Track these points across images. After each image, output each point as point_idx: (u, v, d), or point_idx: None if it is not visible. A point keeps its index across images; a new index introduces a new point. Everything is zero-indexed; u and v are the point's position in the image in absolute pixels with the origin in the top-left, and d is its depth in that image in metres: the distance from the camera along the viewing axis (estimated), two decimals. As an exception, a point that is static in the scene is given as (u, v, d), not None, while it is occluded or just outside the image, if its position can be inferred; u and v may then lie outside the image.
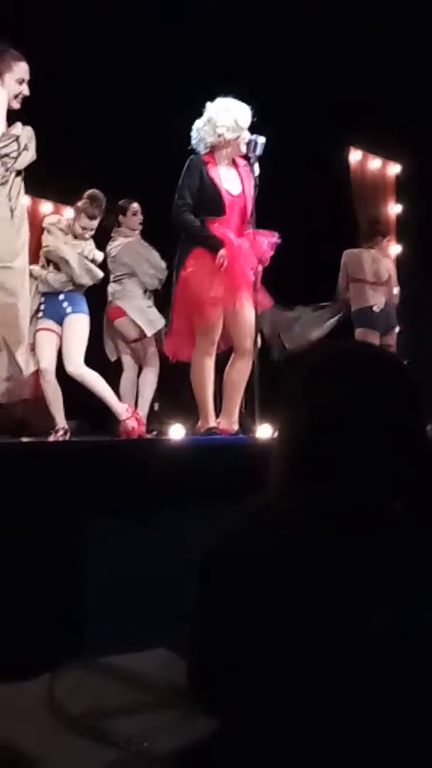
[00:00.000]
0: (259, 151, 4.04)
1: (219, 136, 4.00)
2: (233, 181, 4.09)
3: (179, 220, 4.00)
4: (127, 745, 1.12)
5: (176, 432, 4.08)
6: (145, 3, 5.21)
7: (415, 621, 1.02)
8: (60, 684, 1.20)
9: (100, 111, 5.32)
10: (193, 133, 4.08)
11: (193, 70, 5.10)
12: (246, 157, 4.09)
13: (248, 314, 4.01)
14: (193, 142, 4.09)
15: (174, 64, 5.20)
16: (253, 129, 4.10)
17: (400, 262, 6.70)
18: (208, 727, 1.12)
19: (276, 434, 1.27)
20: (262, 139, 4.04)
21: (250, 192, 4.06)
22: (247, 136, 4.05)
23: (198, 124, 4.06)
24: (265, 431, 3.91)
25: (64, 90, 5.02)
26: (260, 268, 4.08)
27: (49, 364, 4.32)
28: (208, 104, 4.07)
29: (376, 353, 1.29)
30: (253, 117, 4.08)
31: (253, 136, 4.05)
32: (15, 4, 4.28)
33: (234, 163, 4.11)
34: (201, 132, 4.05)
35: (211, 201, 4.00)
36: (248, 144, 4.05)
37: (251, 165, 4.07)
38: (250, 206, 4.05)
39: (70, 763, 1.11)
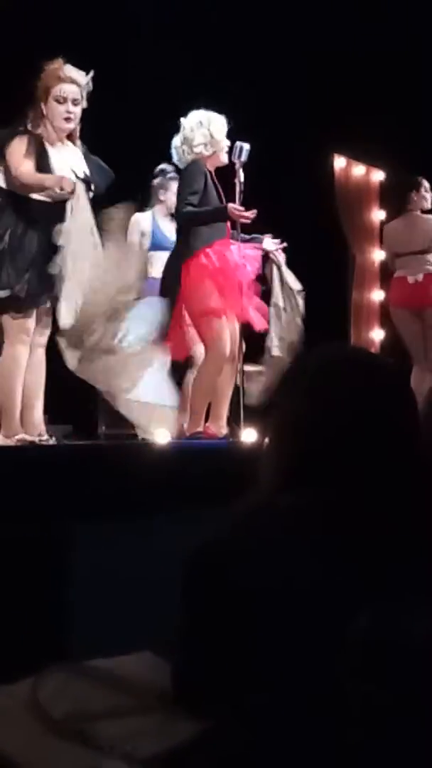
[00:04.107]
0: (243, 157, 4.06)
1: (197, 154, 4.05)
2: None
3: (187, 220, 3.97)
4: (110, 748, 1.12)
5: (162, 436, 4.07)
6: (129, 11, 5.22)
7: (398, 627, 1.02)
8: (43, 687, 1.19)
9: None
10: (173, 151, 4.12)
11: (176, 77, 5.12)
12: (230, 164, 4.12)
13: (235, 322, 4.04)
14: (174, 160, 4.14)
15: (156, 70, 5.21)
16: (236, 136, 4.13)
17: (384, 267, 6.75)
18: (192, 731, 1.12)
19: (267, 437, 1.27)
20: (246, 146, 4.07)
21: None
22: (225, 145, 4.08)
23: (175, 142, 4.12)
24: (250, 435, 3.93)
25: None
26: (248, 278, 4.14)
27: None
28: (182, 120, 4.10)
29: (374, 358, 1.31)
30: (229, 123, 4.11)
31: (238, 143, 4.08)
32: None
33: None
34: (179, 151, 4.10)
35: (214, 206, 4.02)
36: (232, 151, 4.08)
37: (236, 171, 4.09)
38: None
39: (52, 766, 1.11)
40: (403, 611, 1.04)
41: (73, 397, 4.39)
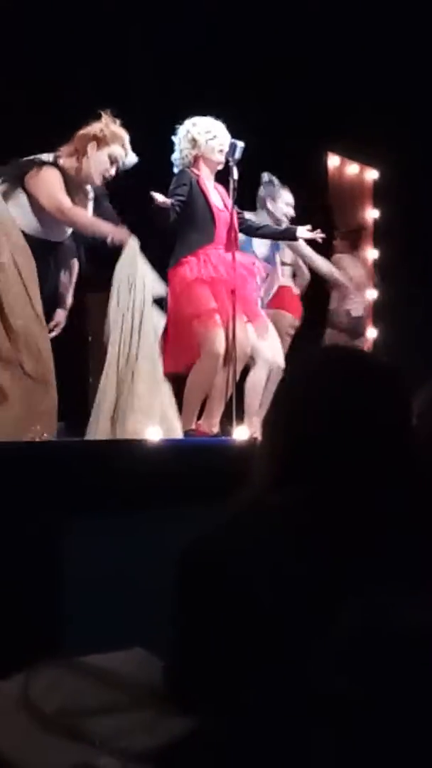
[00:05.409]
0: (237, 155, 4.07)
1: (185, 164, 4.09)
2: (217, 197, 4.16)
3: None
4: (102, 744, 1.12)
5: (153, 433, 4.07)
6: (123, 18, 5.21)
7: (388, 622, 1.03)
8: (35, 683, 1.20)
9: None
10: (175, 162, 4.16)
11: (172, 76, 5.11)
12: (226, 162, 4.12)
13: (229, 324, 4.03)
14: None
15: (153, 71, 5.20)
16: (230, 134, 4.15)
17: (377, 266, 6.76)
18: (183, 727, 1.13)
19: (262, 435, 1.28)
20: (240, 144, 4.07)
21: (231, 207, 4.11)
22: (210, 145, 4.08)
23: (175, 162, 4.16)
24: (242, 433, 3.93)
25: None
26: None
27: None
28: (173, 157, 4.15)
29: (371, 358, 1.31)
30: (217, 117, 4.13)
31: (232, 141, 4.09)
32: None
33: (214, 185, 4.19)
34: (177, 162, 4.14)
35: (200, 211, 4.04)
36: (228, 148, 4.09)
37: (230, 170, 4.10)
38: (235, 222, 4.11)
39: (45, 762, 1.11)
40: (393, 607, 1.05)
41: (65, 394, 4.38)
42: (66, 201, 3.62)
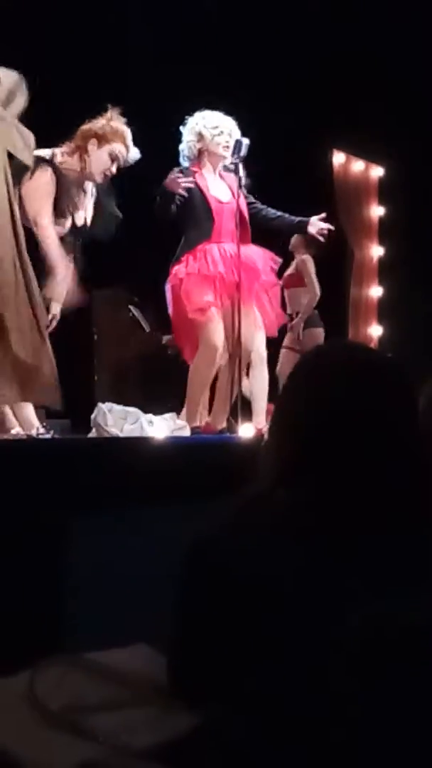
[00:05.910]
0: (243, 152, 4.07)
1: (192, 160, 4.11)
2: (221, 189, 4.14)
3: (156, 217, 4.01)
4: (106, 740, 1.12)
5: (158, 431, 4.07)
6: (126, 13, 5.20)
7: (394, 623, 1.03)
8: (41, 679, 1.20)
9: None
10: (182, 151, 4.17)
11: (176, 75, 5.11)
12: (233, 163, 4.12)
13: (234, 319, 4.03)
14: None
15: (155, 69, 5.20)
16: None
17: (382, 263, 6.76)
18: (187, 723, 1.13)
19: (268, 432, 1.28)
20: (246, 141, 4.07)
21: (241, 200, 4.09)
22: (220, 141, 4.07)
23: (182, 152, 4.18)
24: (247, 430, 3.93)
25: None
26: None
27: None
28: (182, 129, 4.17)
29: (375, 355, 1.31)
30: (231, 114, 4.13)
31: (237, 139, 4.09)
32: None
33: (220, 175, 4.18)
34: (184, 152, 4.16)
35: (197, 208, 4.04)
36: (233, 146, 4.09)
37: (236, 167, 4.10)
38: (244, 212, 4.10)
39: (50, 758, 1.11)
40: (397, 607, 1.05)
41: (71, 391, 4.39)
42: (44, 216, 3.57)
